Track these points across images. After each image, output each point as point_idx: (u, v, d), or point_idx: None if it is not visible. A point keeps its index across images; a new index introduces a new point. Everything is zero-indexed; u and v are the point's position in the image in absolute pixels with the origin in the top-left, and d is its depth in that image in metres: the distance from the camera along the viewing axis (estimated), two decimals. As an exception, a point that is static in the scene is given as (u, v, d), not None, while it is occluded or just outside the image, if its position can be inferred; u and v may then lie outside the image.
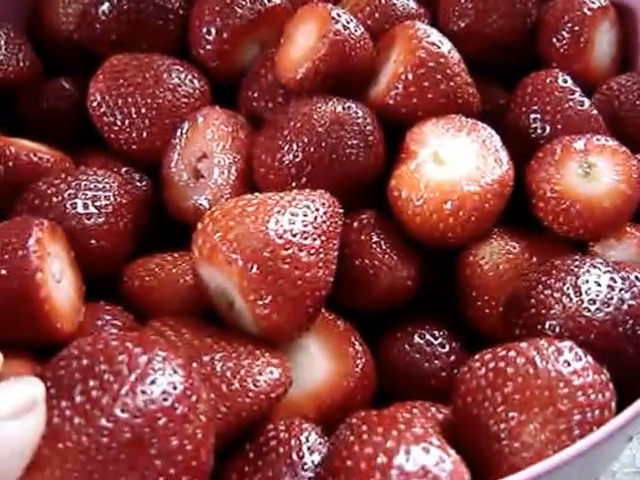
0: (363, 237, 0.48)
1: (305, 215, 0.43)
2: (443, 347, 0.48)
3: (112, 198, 0.48)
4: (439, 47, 0.50)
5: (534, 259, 0.48)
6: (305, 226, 0.43)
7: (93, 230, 0.47)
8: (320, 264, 0.43)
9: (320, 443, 0.40)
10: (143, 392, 0.34)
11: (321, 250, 0.43)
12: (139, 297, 0.48)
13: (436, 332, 0.49)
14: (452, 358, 0.48)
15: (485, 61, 0.54)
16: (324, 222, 0.44)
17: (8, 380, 0.33)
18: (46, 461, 0.33)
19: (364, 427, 0.37)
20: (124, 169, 0.54)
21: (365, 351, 0.46)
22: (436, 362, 0.48)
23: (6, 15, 0.60)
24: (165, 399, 0.34)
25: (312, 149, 0.47)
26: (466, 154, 0.48)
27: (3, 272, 0.41)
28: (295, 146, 0.47)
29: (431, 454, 0.35)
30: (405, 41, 0.50)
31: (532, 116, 0.52)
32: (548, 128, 0.51)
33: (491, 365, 0.39)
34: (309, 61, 0.49)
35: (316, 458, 0.40)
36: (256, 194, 0.44)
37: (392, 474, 0.34)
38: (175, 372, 0.35)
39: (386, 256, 0.48)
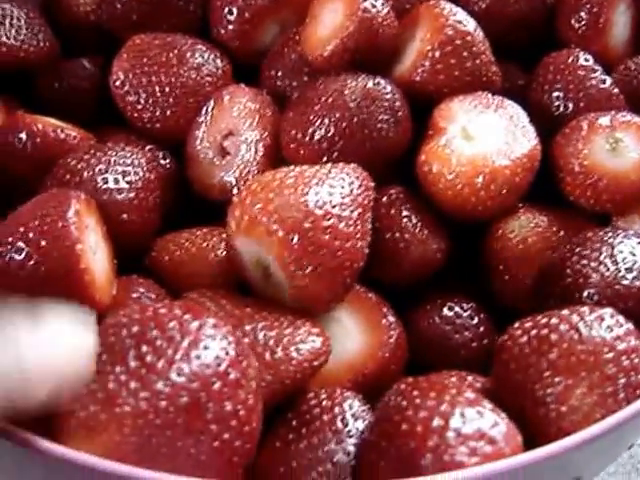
0: (393, 211, 0.49)
1: (342, 187, 0.43)
2: (472, 319, 0.49)
3: (141, 173, 0.48)
4: (465, 25, 0.51)
5: (561, 233, 0.49)
6: (343, 198, 0.43)
7: (124, 205, 0.47)
8: (358, 235, 0.43)
9: (363, 410, 0.41)
10: (197, 357, 0.34)
11: (358, 221, 0.43)
12: (169, 271, 0.48)
13: (464, 304, 0.49)
14: (481, 329, 0.49)
15: (504, 41, 0.55)
16: (359, 195, 0.44)
17: None
18: (104, 426, 0.33)
19: (415, 392, 0.37)
20: (147, 147, 0.53)
21: (397, 322, 0.47)
22: (466, 333, 0.48)
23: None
24: (219, 364, 0.34)
25: (344, 124, 0.47)
26: (495, 130, 0.48)
27: (43, 243, 0.40)
28: (327, 121, 0.47)
29: (485, 417, 0.35)
30: (431, 19, 0.51)
31: (555, 94, 0.53)
32: (571, 106, 0.52)
33: (534, 332, 0.39)
34: (337, 39, 0.50)
35: (360, 425, 0.40)
36: (292, 167, 0.44)
37: (449, 436, 0.34)
38: (225, 338, 0.35)
39: (417, 229, 0.48)
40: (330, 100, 0.48)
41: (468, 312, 0.49)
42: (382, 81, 0.49)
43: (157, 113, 0.53)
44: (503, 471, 0.33)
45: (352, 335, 0.46)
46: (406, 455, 0.35)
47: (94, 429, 0.33)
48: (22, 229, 0.41)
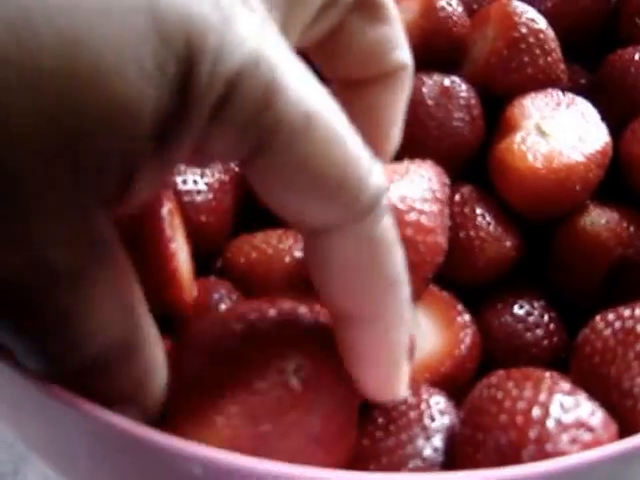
0: (467, 209, 0.49)
1: (422, 183, 0.44)
2: (542, 316, 0.49)
3: (217, 175, 0.49)
4: (537, 23, 0.51)
5: (631, 229, 0.49)
6: (423, 193, 0.43)
7: (203, 206, 0.47)
8: (439, 230, 0.43)
9: (448, 406, 0.41)
10: None
11: (438, 216, 0.43)
12: (245, 272, 0.48)
13: (535, 302, 0.49)
14: (552, 327, 0.49)
15: (567, 39, 0.55)
16: (437, 190, 0.44)
17: None
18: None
19: (511, 383, 0.37)
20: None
21: (472, 320, 0.47)
22: (537, 331, 0.48)
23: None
24: None
25: (422, 121, 0.48)
26: (568, 126, 0.48)
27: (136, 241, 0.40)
28: (405, 119, 0.48)
29: (583, 406, 0.35)
30: (503, 18, 0.51)
31: (621, 92, 0.53)
32: (638, 103, 0.52)
33: (617, 325, 0.39)
34: (412, 36, 0.50)
35: (446, 420, 0.40)
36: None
37: (549, 426, 0.34)
38: None
39: (491, 227, 0.48)
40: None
41: (539, 310, 0.49)
42: (457, 79, 0.50)
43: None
44: (604, 459, 0.34)
45: (427, 334, 0.46)
46: (507, 446, 0.35)
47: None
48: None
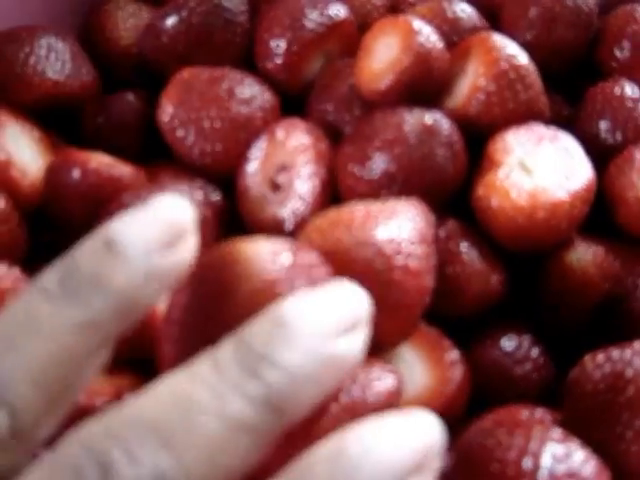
0: (452, 244, 0.49)
1: (409, 223, 0.43)
2: (530, 350, 0.49)
3: (199, 210, 0.48)
4: (518, 58, 0.51)
5: (617, 263, 0.49)
6: (410, 234, 0.43)
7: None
8: (425, 272, 0.43)
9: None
10: None
11: (425, 258, 0.43)
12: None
13: (523, 336, 0.49)
14: (541, 361, 0.49)
15: (547, 72, 0.55)
16: (424, 230, 0.44)
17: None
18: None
19: (501, 430, 0.37)
20: (199, 184, 0.53)
21: (461, 356, 0.47)
22: (526, 365, 0.49)
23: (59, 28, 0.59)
24: None
25: (405, 159, 0.48)
26: (551, 162, 0.48)
27: None
28: (387, 156, 0.48)
29: (575, 456, 0.36)
30: (484, 52, 0.51)
31: (603, 126, 0.53)
32: (620, 137, 0.52)
33: (607, 368, 0.39)
34: (392, 73, 0.50)
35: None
36: (355, 203, 0.44)
37: (540, 478, 0.34)
38: None
39: (476, 262, 0.48)
40: (390, 135, 0.48)
41: (526, 343, 0.49)
42: (438, 115, 0.49)
43: (207, 148, 0.53)
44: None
45: (416, 371, 0.46)
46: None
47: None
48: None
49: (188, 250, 0.30)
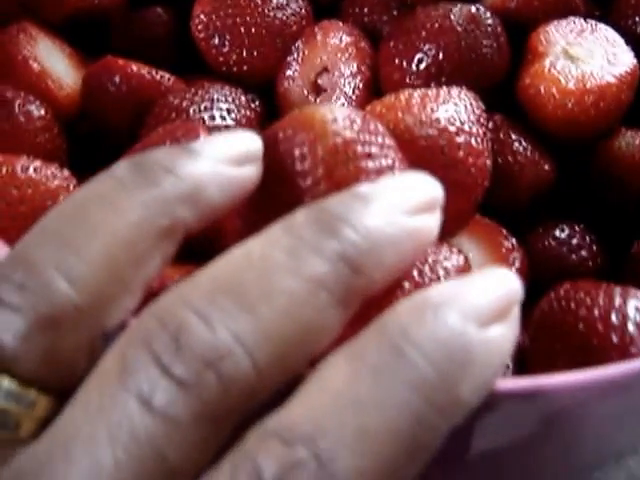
0: (502, 135, 0.48)
1: (465, 106, 0.43)
2: (584, 239, 0.49)
3: (243, 111, 0.48)
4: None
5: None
6: (469, 115, 0.43)
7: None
8: (486, 153, 0.43)
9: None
10: None
11: (484, 139, 0.43)
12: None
13: (575, 226, 0.50)
14: (594, 248, 0.49)
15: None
16: (479, 112, 0.44)
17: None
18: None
19: (581, 294, 0.37)
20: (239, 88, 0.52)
21: (518, 244, 0.47)
22: (582, 252, 0.49)
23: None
24: None
25: (453, 48, 0.47)
26: (595, 50, 0.48)
27: None
28: (435, 46, 0.47)
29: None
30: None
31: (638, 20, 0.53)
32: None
33: None
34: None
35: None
36: (410, 90, 0.44)
37: (630, 330, 0.35)
38: None
39: (528, 151, 0.48)
40: (436, 26, 0.48)
41: (579, 232, 0.49)
42: (482, 7, 0.49)
43: (244, 55, 0.52)
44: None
45: (475, 260, 0.45)
46: (589, 353, 0.35)
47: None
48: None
49: (255, 171, 0.29)
